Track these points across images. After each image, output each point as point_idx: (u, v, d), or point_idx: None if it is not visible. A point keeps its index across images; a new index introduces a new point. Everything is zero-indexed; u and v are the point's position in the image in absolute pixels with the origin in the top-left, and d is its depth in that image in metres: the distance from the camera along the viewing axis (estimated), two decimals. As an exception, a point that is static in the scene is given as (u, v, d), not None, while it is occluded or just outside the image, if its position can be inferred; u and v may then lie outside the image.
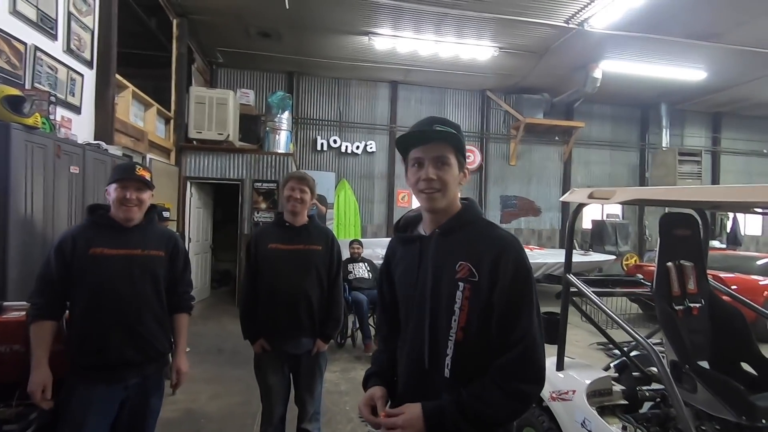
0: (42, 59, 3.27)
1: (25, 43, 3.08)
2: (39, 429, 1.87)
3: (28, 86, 3.08)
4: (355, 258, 5.39)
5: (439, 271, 1.11)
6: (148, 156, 5.44)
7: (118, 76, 4.42)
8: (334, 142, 9.47)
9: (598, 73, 8.24)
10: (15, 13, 2.99)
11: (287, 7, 6.14)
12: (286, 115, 7.46)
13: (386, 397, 1.18)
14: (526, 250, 7.52)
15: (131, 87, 5.04)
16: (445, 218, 1.15)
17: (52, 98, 2.99)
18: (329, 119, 9.54)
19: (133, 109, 5.23)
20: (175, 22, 6.60)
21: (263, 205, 6.76)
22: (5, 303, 2.09)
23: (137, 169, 1.89)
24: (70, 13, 3.61)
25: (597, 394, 2.14)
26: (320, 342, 2.30)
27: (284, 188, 2.31)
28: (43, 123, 2.69)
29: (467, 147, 10.46)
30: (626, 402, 2.19)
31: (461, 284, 1.07)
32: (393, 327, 1.28)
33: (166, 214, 4.11)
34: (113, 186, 1.85)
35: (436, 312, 1.10)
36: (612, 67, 8.17)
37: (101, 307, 1.79)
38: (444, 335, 1.08)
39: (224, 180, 6.78)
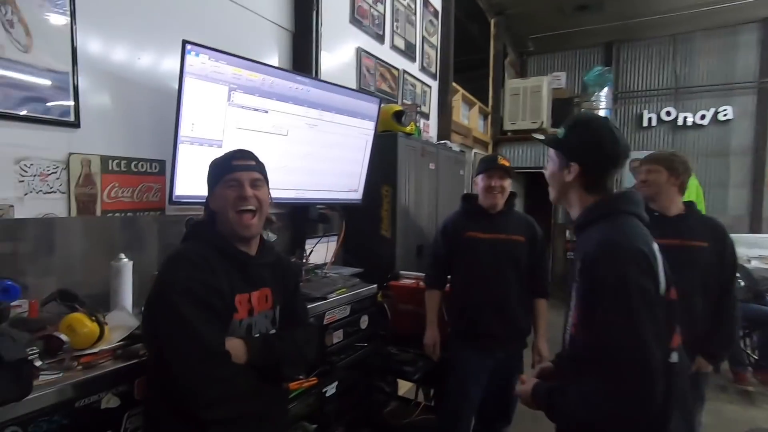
0: (407, 79, 4.09)
1: (398, 69, 3.93)
2: (426, 374, 2.34)
3: (399, 102, 3.92)
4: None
5: (574, 266, 1.15)
6: (473, 151, 6.02)
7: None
8: (667, 114, 7.77)
9: None
10: (393, 47, 3.85)
11: (612, -33, 5.42)
12: (604, 91, 6.70)
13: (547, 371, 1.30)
14: None
15: (461, 90, 5.69)
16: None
17: (418, 109, 3.70)
18: (660, 87, 7.91)
19: (461, 110, 5.90)
20: (492, 21, 7.02)
21: (580, 193, 6.32)
22: (400, 272, 2.73)
23: (499, 159, 2.05)
24: (423, 37, 4.37)
25: None
26: (702, 361, 1.86)
27: (637, 171, 2.00)
28: (415, 130, 3.34)
29: None
30: None
31: (575, 282, 1.08)
32: None
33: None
34: (481, 176, 2.06)
35: (569, 304, 1.15)
36: None
37: (473, 283, 2.04)
38: (569, 326, 1.13)
39: (536, 168, 6.73)
